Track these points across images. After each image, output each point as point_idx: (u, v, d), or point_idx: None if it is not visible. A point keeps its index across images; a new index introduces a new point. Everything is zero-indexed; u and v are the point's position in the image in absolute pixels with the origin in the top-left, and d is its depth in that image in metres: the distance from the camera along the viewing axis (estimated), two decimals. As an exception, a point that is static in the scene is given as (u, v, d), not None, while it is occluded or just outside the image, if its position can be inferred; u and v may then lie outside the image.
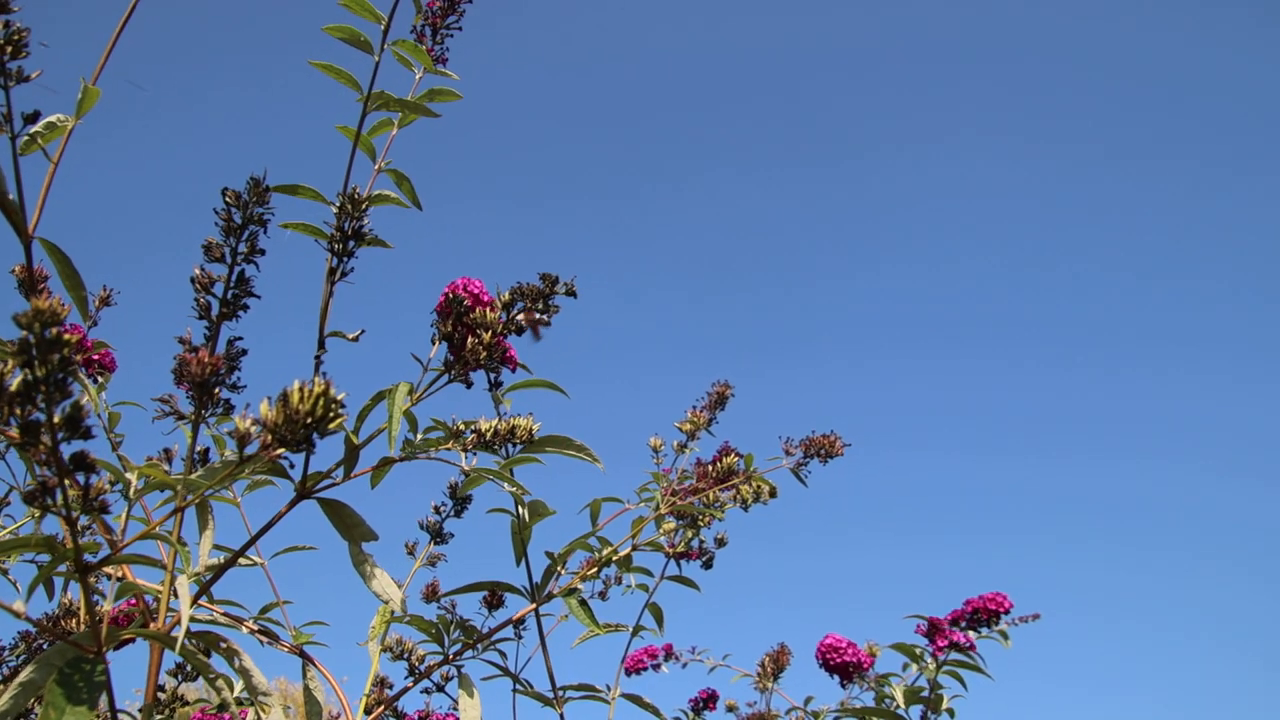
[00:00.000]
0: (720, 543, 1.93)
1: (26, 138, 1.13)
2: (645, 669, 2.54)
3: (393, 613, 1.58)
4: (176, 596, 1.22)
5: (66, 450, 0.86)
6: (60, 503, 0.86)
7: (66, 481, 0.86)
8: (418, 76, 1.24)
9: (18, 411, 0.83)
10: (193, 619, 1.28)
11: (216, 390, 0.89)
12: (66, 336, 0.78)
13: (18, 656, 1.82)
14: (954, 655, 2.00)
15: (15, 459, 1.79)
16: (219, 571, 1.14)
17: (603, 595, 1.85)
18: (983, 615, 2.06)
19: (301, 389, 0.79)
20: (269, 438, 0.82)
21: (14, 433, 0.83)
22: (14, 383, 0.84)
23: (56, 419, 0.81)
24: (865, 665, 2.13)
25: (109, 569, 1.19)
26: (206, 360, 0.84)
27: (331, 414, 0.79)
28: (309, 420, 0.79)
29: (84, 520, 1.88)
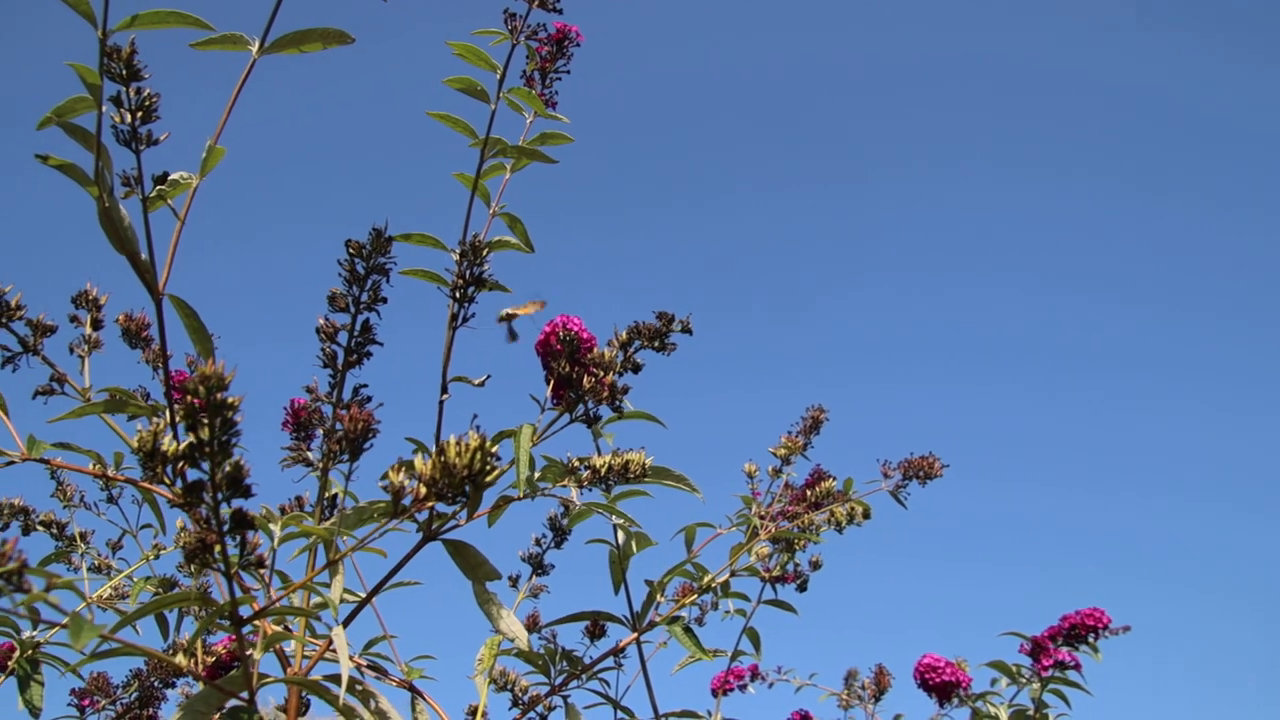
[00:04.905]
0: (815, 565, 1.93)
1: (153, 195, 1.16)
2: (732, 690, 2.54)
3: (500, 644, 1.59)
4: (311, 640, 1.24)
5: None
6: (219, 558, 0.88)
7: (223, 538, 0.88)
8: (529, 121, 1.25)
9: (176, 471, 0.86)
10: (305, 656, 1.31)
11: (367, 445, 0.91)
12: (231, 400, 0.80)
13: (130, 694, 1.86)
14: (1054, 673, 1.98)
15: (126, 503, 1.84)
16: (350, 616, 1.16)
17: (699, 621, 1.85)
18: (1081, 631, 2.03)
19: (458, 443, 0.81)
20: (423, 490, 0.84)
21: (176, 491, 0.85)
22: (167, 443, 0.87)
23: (218, 478, 0.83)
24: (964, 684, 2.11)
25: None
26: (358, 416, 0.86)
27: (489, 467, 0.80)
28: (465, 474, 0.81)
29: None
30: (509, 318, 1.37)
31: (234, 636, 1.45)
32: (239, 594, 0.96)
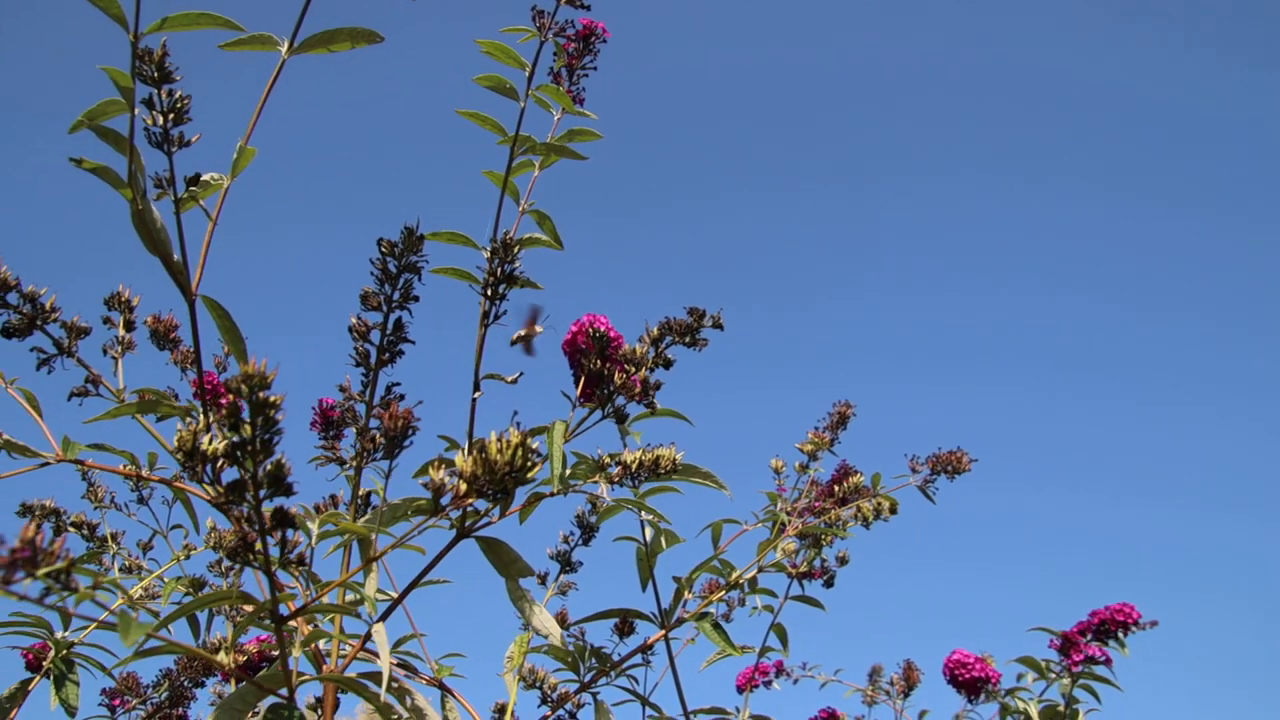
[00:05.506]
0: (842, 561, 1.92)
1: (185, 196, 1.17)
2: (757, 686, 2.53)
3: (530, 642, 1.59)
4: (344, 637, 1.25)
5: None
6: (259, 557, 0.88)
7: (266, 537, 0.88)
8: (556, 117, 1.25)
9: (216, 470, 0.86)
10: (341, 655, 1.31)
11: (406, 442, 0.91)
12: (273, 399, 0.80)
13: (160, 694, 1.87)
14: (1085, 668, 1.97)
15: (156, 503, 1.86)
16: (386, 613, 1.17)
17: (727, 617, 1.85)
18: (1110, 626, 2.02)
19: (500, 440, 0.81)
20: (463, 488, 0.84)
21: (217, 490, 0.86)
22: (205, 442, 0.87)
23: (260, 477, 0.84)
24: (994, 680, 2.10)
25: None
26: (398, 415, 0.86)
27: (529, 464, 0.80)
28: (506, 470, 0.81)
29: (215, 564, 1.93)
30: (525, 339, 1.37)
31: (267, 635, 1.46)
32: (277, 593, 0.96)
